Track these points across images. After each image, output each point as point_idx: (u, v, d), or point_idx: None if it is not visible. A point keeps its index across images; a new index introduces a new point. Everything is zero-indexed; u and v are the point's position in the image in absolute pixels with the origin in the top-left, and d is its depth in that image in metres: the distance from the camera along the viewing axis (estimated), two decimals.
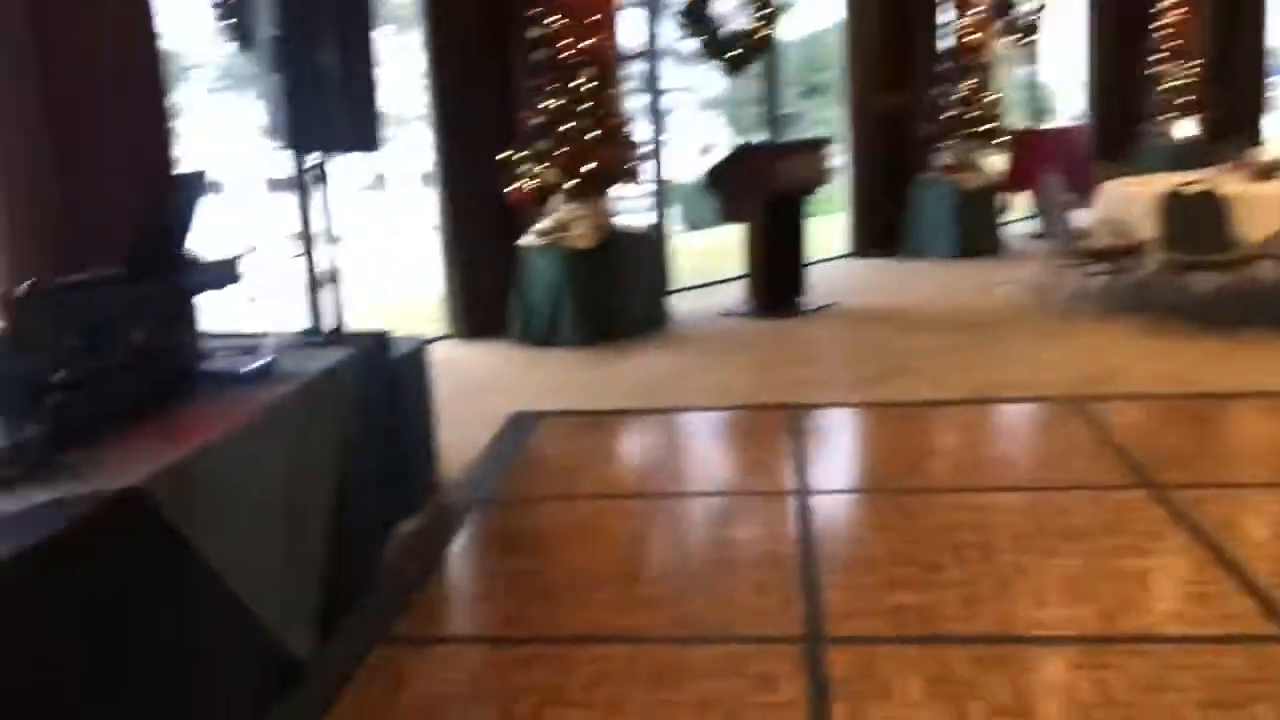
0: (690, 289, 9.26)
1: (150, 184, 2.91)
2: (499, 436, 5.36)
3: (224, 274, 3.15)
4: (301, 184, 4.55)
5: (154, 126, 5.64)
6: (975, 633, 3.13)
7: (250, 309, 3.53)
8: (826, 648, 3.11)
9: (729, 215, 8.24)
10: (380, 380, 3.91)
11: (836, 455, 4.98)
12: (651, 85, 9.17)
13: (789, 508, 4.23)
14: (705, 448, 5.50)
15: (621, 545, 3.96)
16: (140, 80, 5.54)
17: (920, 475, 4.54)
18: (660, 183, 9.22)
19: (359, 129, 4.29)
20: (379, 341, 3.99)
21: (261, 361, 3.34)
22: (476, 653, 3.27)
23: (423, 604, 3.57)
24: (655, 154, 9.10)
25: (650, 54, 9.13)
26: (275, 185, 11.79)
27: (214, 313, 3.32)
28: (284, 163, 4.44)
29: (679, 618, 3.36)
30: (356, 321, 4.28)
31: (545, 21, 7.29)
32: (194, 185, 2.99)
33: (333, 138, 4.23)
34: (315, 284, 4.52)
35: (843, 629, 3.21)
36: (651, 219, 9.00)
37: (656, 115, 9.19)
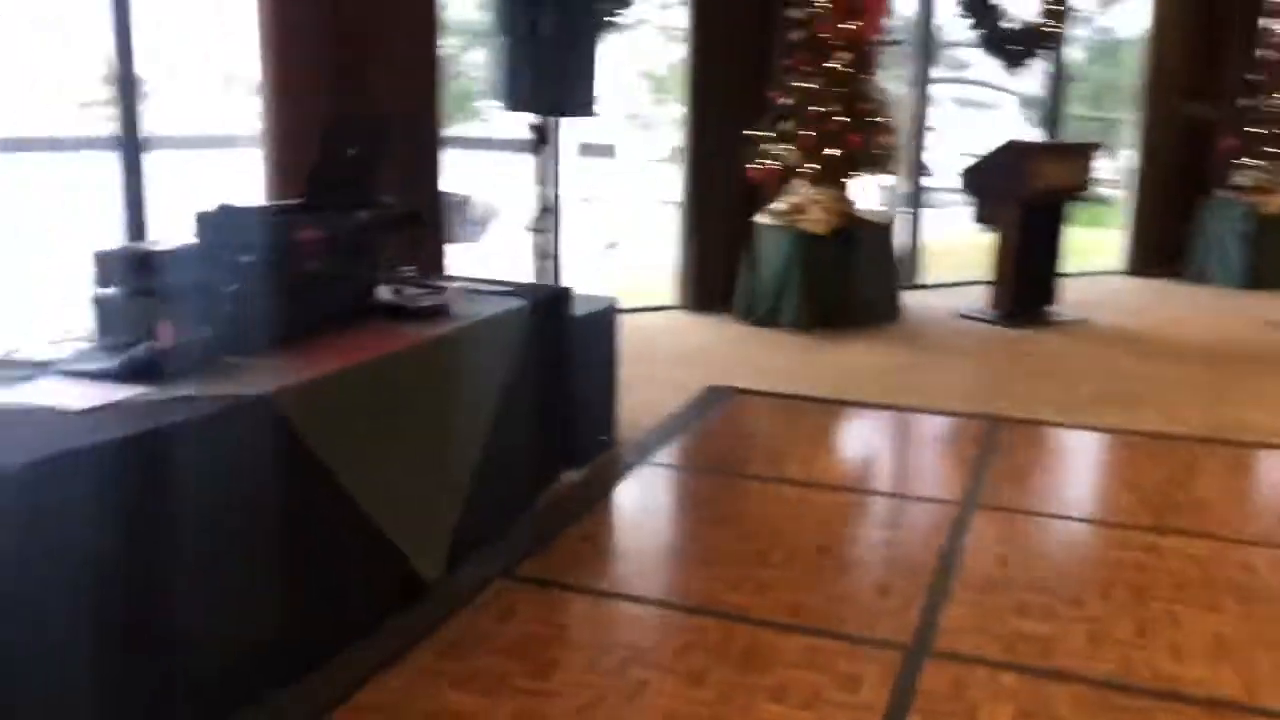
0: (936, 286, 8.98)
1: (327, 127, 3.15)
2: (689, 406, 5.45)
3: (405, 218, 3.41)
4: (539, 146, 4.80)
5: (424, 86, 6.12)
6: (1090, 673, 2.93)
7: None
8: (926, 660, 3.01)
9: (982, 215, 7.90)
10: (553, 334, 4.08)
11: (1022, 474, 4.72)
12: (921, 75, 8.90)
13: (948, 518, 4.07)
14: (890, 446, 5.37)
15: (764, 526, 3.96)
16: (414, 44, 6.04)
17: (1101, 506, 4.26)
18: (919, 174, 8.98)
19: (575, 94, 4.48)
20: (558, 297, 4.17)
21: (435, 301, 3.59)
22: (585, 602, 3.39)
23: (555, 550, 3.73)
24: (916, 145, 8.87)
25: (925, 43, 8.87)
26: (586, 150, 12.40)
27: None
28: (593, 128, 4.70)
29: (790, 605, 3.33)
30: (604, 285, 4.50)
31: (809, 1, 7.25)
32: (378, 131, 3.25)
33: (551, 102, 4.43)
34: (539, 241, 4.78)
35: (949, 644, 3.09)
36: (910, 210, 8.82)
37: (922, 105, 8.92)
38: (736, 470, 4.65)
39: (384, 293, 3.69)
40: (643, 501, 4.40)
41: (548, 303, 4.06)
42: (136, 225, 5.26)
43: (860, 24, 7.23)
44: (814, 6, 7.23)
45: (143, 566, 2.30)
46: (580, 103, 4.46)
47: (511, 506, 3.90)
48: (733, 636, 3.12)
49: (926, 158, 9.10)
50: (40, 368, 2.73)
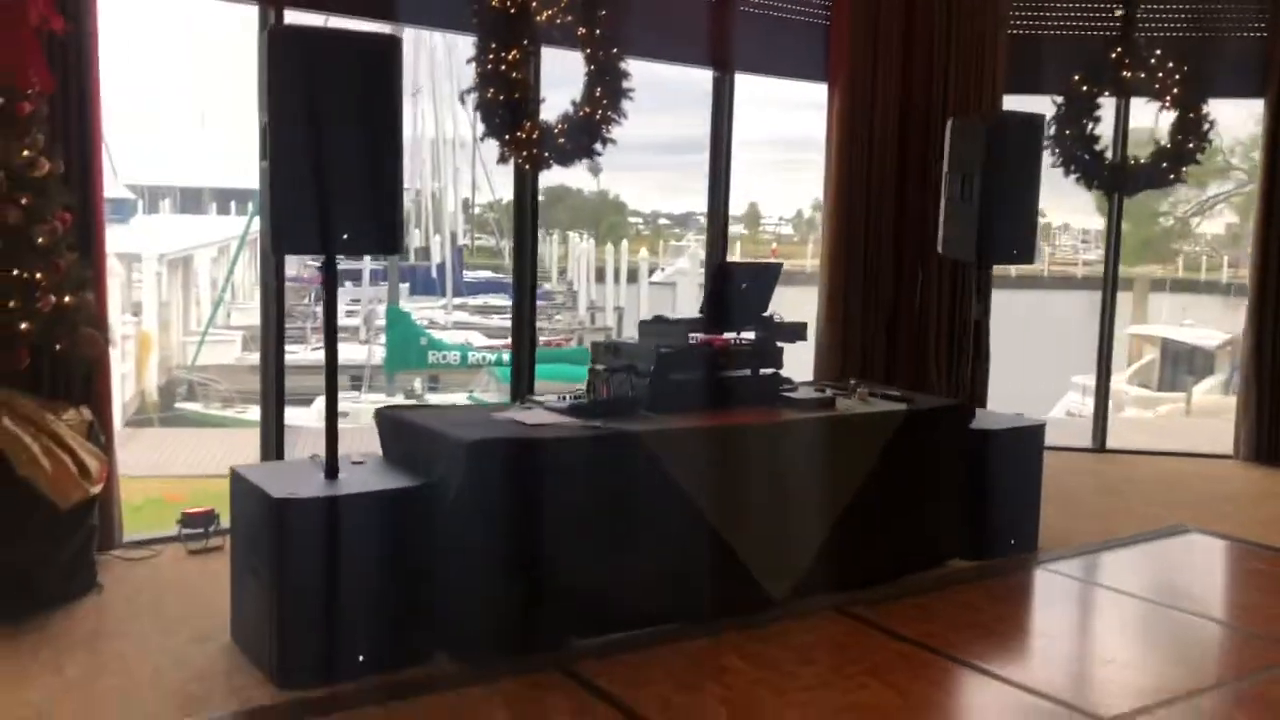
0: None
1: (719, 266, 4.57)
2: (1134, 535, 5.77)
3: (792, 333, 4.71)
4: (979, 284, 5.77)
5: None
6: None
7: None
8: None
9: None
10: (941, 441, 4.99)
11: None
12: None
13: None
14: None
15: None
16: None
17: None
18: None
19: (1012, 243, 5.37)
20: (948, 410, 5.08)
21: (817, 397, 4.81)
22: (880, 640, 4.25)
23: (894, 606, 4.59)
24: None
25: None
26: None
27: None
28: None
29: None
30: None
31: None
32: (766, 274, 4.62)
33: (980, 250, 5.38)
34: (971, 360, 5.71)
35: None
36: None
37: None
38: (1123, 589, 5.00)
39: (806, 390, 4.98)
40: (1007, 594, 5.00)
41: (935, 413, 4.99)
42: None
43: None
44: None
45: (534, 518, 3.92)
46: (1008, 251, 5.35)
47: (877, 568, 4.85)
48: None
49: None
50: (538, 404, 4.54)
